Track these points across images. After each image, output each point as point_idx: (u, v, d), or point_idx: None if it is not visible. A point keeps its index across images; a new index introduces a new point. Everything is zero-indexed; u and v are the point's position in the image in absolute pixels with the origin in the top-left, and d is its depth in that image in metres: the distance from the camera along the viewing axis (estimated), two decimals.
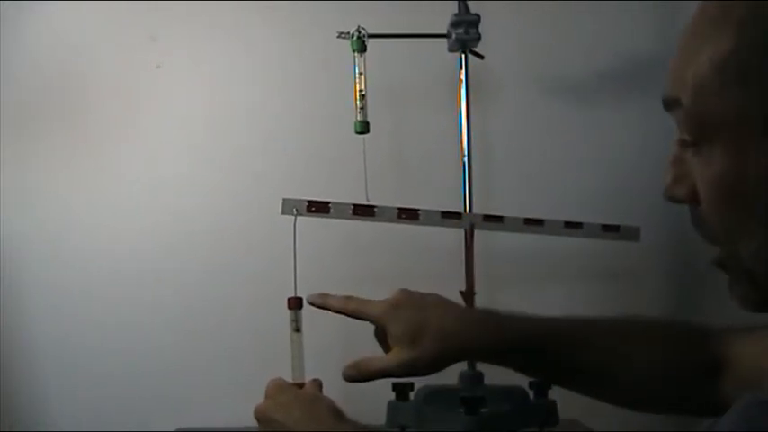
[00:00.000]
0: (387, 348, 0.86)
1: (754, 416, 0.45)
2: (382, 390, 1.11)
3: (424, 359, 0.82)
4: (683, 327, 0.84)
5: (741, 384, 0.74)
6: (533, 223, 1.15)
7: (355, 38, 1.13)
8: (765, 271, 0.54)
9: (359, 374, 0.85)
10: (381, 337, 0.87)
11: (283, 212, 1.01)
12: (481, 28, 1.15)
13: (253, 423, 0.89)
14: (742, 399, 0.47)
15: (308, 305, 0.91)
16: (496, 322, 0.83)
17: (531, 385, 1.10)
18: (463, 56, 1.17)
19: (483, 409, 1.01)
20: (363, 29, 1.13)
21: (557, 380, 0.88)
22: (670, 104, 0.57)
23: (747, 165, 0.52)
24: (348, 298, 0.89)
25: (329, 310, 0.89)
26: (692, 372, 0.79)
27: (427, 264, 1.35)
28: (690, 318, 0.88)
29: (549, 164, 1.41)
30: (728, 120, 0.52)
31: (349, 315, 0.88)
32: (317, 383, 0.92)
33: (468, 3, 1.16)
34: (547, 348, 0.81)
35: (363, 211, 1.06)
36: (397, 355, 0.82)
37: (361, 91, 1.12)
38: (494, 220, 1.14)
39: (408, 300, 0.85)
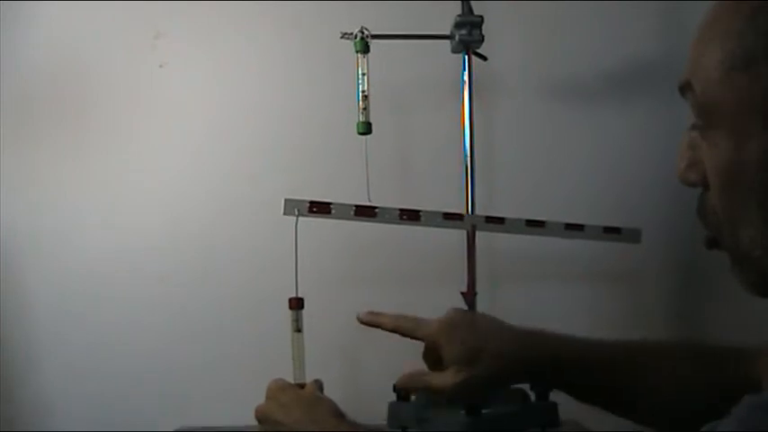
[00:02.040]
0: (434, 368, 0.87)
1: (757, 417, 0.45)
2: (383, 390, 1.11)
3: (482, 379, 0.83)
4: (719, 350, 0.84)
5: None
6: (535, 225, 1.15)
7: (359, 38, 1.13)
8: (762, 256, 0.54)
9: (413, 387, 0.88)
10: (431, 356, 0.87)
11: (285, 213, 1.01)
12: (484, 29, 1.15)
13: (254, 423, 0.89)
14: (743, 400, 0.47)
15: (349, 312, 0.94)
16: (552, 344, 0.84)
17: (532, 387, 1.09)
18: (466, 57, 1.17)
19: (484, 411, 1.00)
20: (367, 30, 1.13)
21: (611, 405, 0.87)
22: (684, 88, 0.58)
23: (749, 152, 0.53)
24: (400, 316, 0.90)
25: (381, 328, 0.91)
26: (732, 395, 0.78)
27: (429, 265, 1.35)
28: (713, 334, 0.88)
29: (551, 166, 1.41)
30: (732, 107, 0.53)
31: (402, 334, 0.89)
32: (318, 384, 0.93)
33: (472, 4, 1.16)
34: (603, 373, 0.82)
35: (365, 212, 1.06)
36: (455, 376, 0.83)
37: (363, 92, 1.12)
38: (495, 222, 1.14)
39: (463, 319, 0.86)
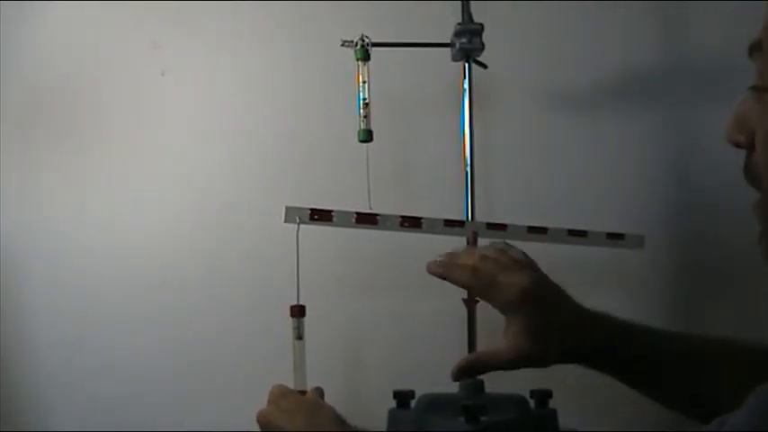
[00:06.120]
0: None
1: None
2: (383, 397, 1.12)
3: (539, 356, 0.82)
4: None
5: None
6: (537, 231, 1.15)
7: (359, 46, 1.13)
8: None
9: (477, 370, 0.85)
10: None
11: (286, 221, 1.02)
12: (485, 37, 1.16)
13: (255, 428, 0.90)
14: (756, 391, 0.47)
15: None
16: (610, 326, 0.83)
17: (531, 394, 1.10)
18: (466, 65, 1.18)
19: (483, 418, 1.01)
20: (367, 37, 1.13)
21: (650, 388, 0.86)
22: (753, 48, 0.58)
23: None
24: (475, 276, 0.86)
25: (453, 282, 0.87)
26: None
27: None
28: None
29: (551, 172, 1.41)
30: None
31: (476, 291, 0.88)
32: (319, 391, 0.93)
33: (472, 12, 1.17)
34: (663, 361, 0.82)
35: (366, 220, 1.06)
36: (514, 349, 0.82)
37: (364, 99, 1.12)
38: (497, 228, 1.15)
39: (537, 292, 0.83)
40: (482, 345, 1.18)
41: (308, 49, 1.40)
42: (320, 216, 1.04)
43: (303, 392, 0.94)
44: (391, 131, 1.35)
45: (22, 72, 1.40)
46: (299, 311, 0.99)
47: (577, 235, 1.16)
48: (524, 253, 0.90)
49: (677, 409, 0.85)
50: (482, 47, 1.16)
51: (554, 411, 1.09)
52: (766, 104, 0.56)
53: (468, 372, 0.85)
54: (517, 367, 0.83)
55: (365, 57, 1.13)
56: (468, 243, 1.14)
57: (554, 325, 0.81)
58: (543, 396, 1.09)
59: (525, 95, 1.41)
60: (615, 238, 1.17)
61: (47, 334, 1.39)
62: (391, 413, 1.11)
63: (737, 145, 0.59)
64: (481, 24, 1.15)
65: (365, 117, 1.12)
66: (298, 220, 1.01)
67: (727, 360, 0.81)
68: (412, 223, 1.08)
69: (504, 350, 0.82)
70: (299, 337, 0.99)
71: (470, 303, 1.15)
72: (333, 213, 1.04)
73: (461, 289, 1.15)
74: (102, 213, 1.40)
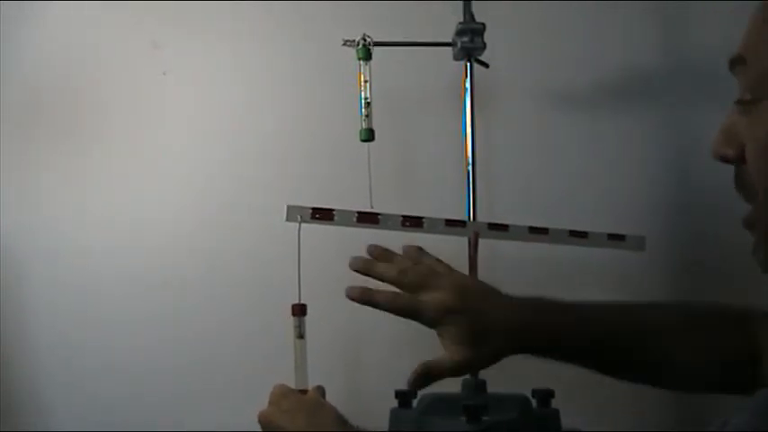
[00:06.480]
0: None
1: None
2: (385, 397, 1.12)
3: (484, 358, 0.82)
4: (724, 311, 0.85)
5: None
6: (538, 232, 1.15)
7: (361, 46, 1.13)
8: None
9: (429, 379, 0.84)
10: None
11: (288, 219, 1.01)
12: (486, 37, 1.16)
13: (256, 428, 0.89)
14: (759, 393, 0.47)
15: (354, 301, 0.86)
16: (550, 315, 0.83)
17: (533, 394, 1.10)
18: (468, 64, 1.18)
19: (485, 417, 1.01)
20: (369, 37, 1.13)
21: (608, 367, 0.86)
22: (735, 62, 0.59)
23: None
24: (398, 296, 0.85)
25: (375, 307, 0.85)
26: (735, 357, 0.80)
27: None
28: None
29: (552, 172, 1.41)
30: None
31: (398, 315, 0.85)
32: (320, 390, 0.93)
33: (474, 11, 1.17)
34: (609, 337, 0.83)
35: (368, 219, 1.06)
36: (453, 356, 0.81)
37: (366, 99, 1.12)
38: (498, 229, 1.14)
39: (464, 301, 0.82)
40: None
41: (309, 49, 1.40)
42: (321, 215, 1.03)
43: (304, 392, 0.94)
44: (393, 131, 1.35)
45: (22, 72, 1.41)
46: (300, 310, 0.98)
47: (578, 236, 1.16)
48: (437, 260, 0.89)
49: (653, 382, 0.86)
50: (484, 46, 1.16)
51: (556, 411, 1.09)
52: (754, 117, 0.56)
53: (423, 381, 0.84)
54: (463, 373, 0.85)
55: (367, 56, 1.13)
56: (469, 243, 1.14)
57: (485, 327, 0.81)
58: (545, 395, 1.09)
59: (526, 95, 1.41)
60: (616, 239, 1.17)
61: (47, 334, 1.39)
62: (393, 413, 1.11)
63: (725, 160, 0.59)
64: (483, 24, 1.15)
65: (367, 116, 1.12)
66: (299, 219, 1.01)
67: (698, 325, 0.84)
68: (413, 223, 1.08)
69: (447, 359, 0.82)
70: (301, 336, 0.98)
71: None
72: (334, 212, 1.04)
73: None
74: (102, 213, 1.40)
